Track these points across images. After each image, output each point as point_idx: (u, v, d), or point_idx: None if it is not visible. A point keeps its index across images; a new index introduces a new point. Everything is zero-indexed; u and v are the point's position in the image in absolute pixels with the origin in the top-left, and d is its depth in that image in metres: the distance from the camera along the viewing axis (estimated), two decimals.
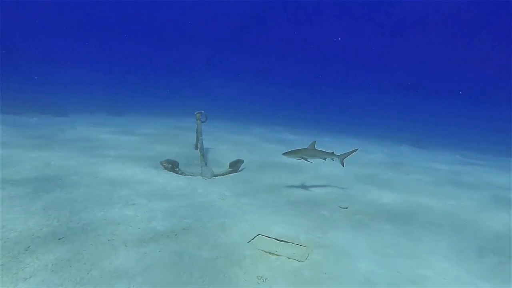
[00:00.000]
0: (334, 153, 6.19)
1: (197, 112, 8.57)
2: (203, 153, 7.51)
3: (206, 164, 7.18)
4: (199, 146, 7.75)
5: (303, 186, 6.68)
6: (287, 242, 4.03)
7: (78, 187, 5.21)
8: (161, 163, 6.85)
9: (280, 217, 4.80)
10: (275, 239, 4.09)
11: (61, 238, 3.53)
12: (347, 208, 5.50)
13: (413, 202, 6.31)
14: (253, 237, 4.05)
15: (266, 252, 3.71)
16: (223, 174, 6.94)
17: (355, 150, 6.48)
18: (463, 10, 36.42)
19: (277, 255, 3.67)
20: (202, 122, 8.40)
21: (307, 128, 22.56)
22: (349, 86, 49.77)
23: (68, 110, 17.77)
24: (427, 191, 7.31)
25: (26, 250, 3.19)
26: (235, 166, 7.27)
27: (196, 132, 8.59)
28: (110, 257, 3.23)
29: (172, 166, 6.72)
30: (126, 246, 3.49)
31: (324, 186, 6.88)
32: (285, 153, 5.96)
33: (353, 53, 47.80)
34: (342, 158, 6.24)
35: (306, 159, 5.91)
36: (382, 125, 28.94)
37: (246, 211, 4.91)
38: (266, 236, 4.13)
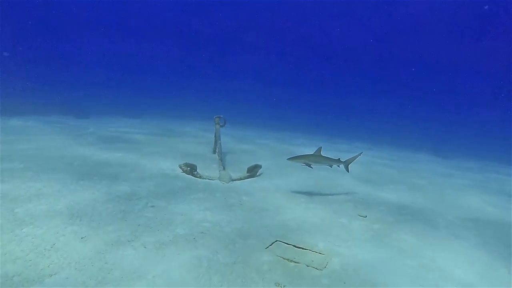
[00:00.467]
0: (340, 159, 6.09)
1: (216, 116, 8.67)
2: (222, 157, 7.56)
3: (224, 168, 7.22)
4: (217, 150, 7.80)
5: (321, 193, 6.62)
6: (305, 249, 3.99)
7: (101, 188, 5.32)
8: (180, 166, 6.93)
9: (299, 224, 4.76)
10: (294, 245, 4.06)
11: (83, 237, 3.62)
12: (366, 216, 5.40)
13: (435, 211, 6.15)
14: (271, 243, 4.03)
15: (284, 258, 3.68)
16: (241, 179, 6.95)
17: (359, 154, 6.35)
18: (484, 18, 35.60)
19: (295, 262, 3.64)
20: (221, 126, 8.47)
21: (318, 133, 22.43)
22: (362, 91, 48.98)
23: (88, 112, 18.30)
24: (450, 200, 7.11)
25: (51, 247, 3.28)
26: (253, 171, 7.27)
27: (215, 136, 8.68)
28: (130, 258, 3.28)
29: (191, 169, 6.78)
30: (145, 247, 3.54)
31: (342, 193, 6.78)
32: (290, 158, 5.93)
33: (368, 58, 47.38)
34: (347, 164, 6.13)
35: (309, 165, 5.84)
36: (393, 131, 28.68)
37: (264, 217, 4.90)
38: (284, 243, 4.10)
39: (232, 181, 6.72)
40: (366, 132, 26.72)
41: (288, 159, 5.95)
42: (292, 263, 3.60)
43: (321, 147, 6.02)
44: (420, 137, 26.53)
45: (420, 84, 45.65)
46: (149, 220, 4.27)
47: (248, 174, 7.22)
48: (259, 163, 7.58)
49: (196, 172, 6.78)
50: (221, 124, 8.54)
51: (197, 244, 3.73)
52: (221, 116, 8.58)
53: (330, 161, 5.99)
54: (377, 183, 8.15)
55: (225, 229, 4.25)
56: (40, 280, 2.75)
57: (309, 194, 6.44)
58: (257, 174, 7.41)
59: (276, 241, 4.14)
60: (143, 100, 29.70)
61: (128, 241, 3.64)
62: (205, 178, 6.67)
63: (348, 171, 6.15)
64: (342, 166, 6.10)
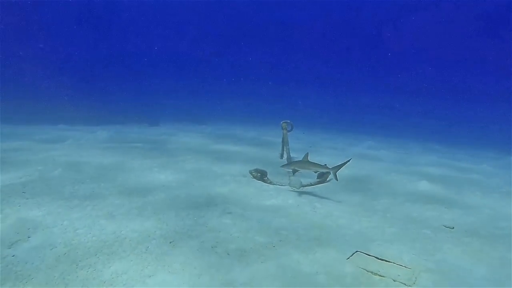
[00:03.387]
0: (327, 165, 5.95)
1: (283, 121, 8.69)
2: (291, 162, 7.54)
3: (293, 174, 7.20)
4: (285, 155, 7.82)
5: (398, 201, 6.24)
6: (389, 262, 3.79)
7: (179, 194, 5.65)
8: (250, 172, 7.08)
9: (378, 234, 4.55)
10: (376, 257, 3.88)
11: (172, 242, 3.86)
12: (453, 228, 4.96)
13: None
14: (352, 254, 3.90)
15: (368, 271, 3.54)
16: (311, 185, 6.87)
17: (348, 161, 6.03)
18: None
19: (380, 275, 3.47)
20: (288, 131, 8.47)
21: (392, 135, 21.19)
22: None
23: (159, 120, 19.70)
24: None
25: (146, 250, 3.57)
26: (323, 177, 7.14)
27: (282, 141, 8.72)
28: (217, 265, 3.42)
29: (261, 175, 6.89)
30: (228, 254, 3.66)
31: (422, 201, 6.32)
32: (282, 166, 6.35)
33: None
34: (335, 171, 5.85)
35: (297, 171, 6.11)
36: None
37: (340, 225, 4.77)
38: (366, 254, 3.94)
39: (303, 187, 6.67)
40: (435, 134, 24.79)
41: (281, 167, 6.35)
42: (377, 277, 3.44)
43: (308, 153, 6.14)
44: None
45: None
46: (228, 227, 4.41)
47: (318, 180, 7.10)
48: None
49: (266, 178, 6.87)
50: (288, 129, 8.54)
51: (277, 253, 3.76)
52: (288, 121, 8.57)
53: (317, 167, 5.98)
54: (464, 192, 7.43)
55: (303, 237, 4.22)
56: (142, 281, 3.00)
57: (385, 201, 6.13)
58: (327, 180, 7.25)
59: (357, 251, 4.00)
60: (203, 106, 30.78)
61: (212, 247, 3.80)
62: (275, 184, 6.73)
63: (337, 179, 5.89)
64: (329, 172, 5.95)
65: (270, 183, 6.76)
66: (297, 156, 9.68)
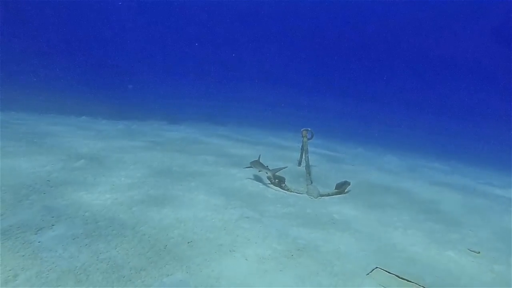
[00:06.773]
0: (268, 167, 6.79)
1: (303, 129, 8.62)
2: (309, 171, 7.47)
3: (312, 182, 7.11)
4: (304, 163, 7.74)
5: (418, 217, 6.06)
6: (410, 281, 3.67)
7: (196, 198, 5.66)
8: (269, 177, 7.03)
9: (398, 252, 4.41)
10: (396, 276, 3.76)
11: (190, 242, 3.86)
12: (479, 253, 4.76)
13: None
14: (371, 270, 3.80)
15: None
16: (329, 195, 6.77)
17: (284, 167, 7.10)
18: None
19: None
20: (308, 139, 8.39)
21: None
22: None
23: (179, 118, 19.91)
24: None
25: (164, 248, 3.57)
26: (342, 187, 7.02)
27: (301, 149, 8.64)
28: (238, 270, 3.38)
29: (279, 181, 6.83)
30: (247, 259, 3.62)
31: (445, 220, 6.12)
32: (251, 162, 7.06)
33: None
34: (272, 173, 6.71)
35: (250, 167, 7.02)
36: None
37: (359, 239, 4.66)
38: (386, 271, 3.83)
39: (321, 196, 6.58)
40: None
41: (250, 162, 7.06)
42: None
43: (260, 154, 7.34)
44: None
45: None
46: (246, 231, 4.37)
47: (336, 190, 6.99)
48: (347, 179, 7.31)
49: (284, 185, 6.81)
50: (308, 137, 8.46)
51: (296, 263, 3.69)
52: (309, 129, 8.49)
53: (262, 168, 6.79)
54: (489, 216, 7.17)
55: (321, 249, 4.14)
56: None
57: (405, 217, 5.95)
58: (346, 191, 7.13)
59: (376, 268, 3.89)
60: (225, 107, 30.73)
61: (230, 251, 3.77)
62: (293, 192, 6.66)
63: (270, 182, 6.82)
64: (268, 173, 6.74)
65: (288, 190, 6.70)
66: (313, 165, 9.58)
